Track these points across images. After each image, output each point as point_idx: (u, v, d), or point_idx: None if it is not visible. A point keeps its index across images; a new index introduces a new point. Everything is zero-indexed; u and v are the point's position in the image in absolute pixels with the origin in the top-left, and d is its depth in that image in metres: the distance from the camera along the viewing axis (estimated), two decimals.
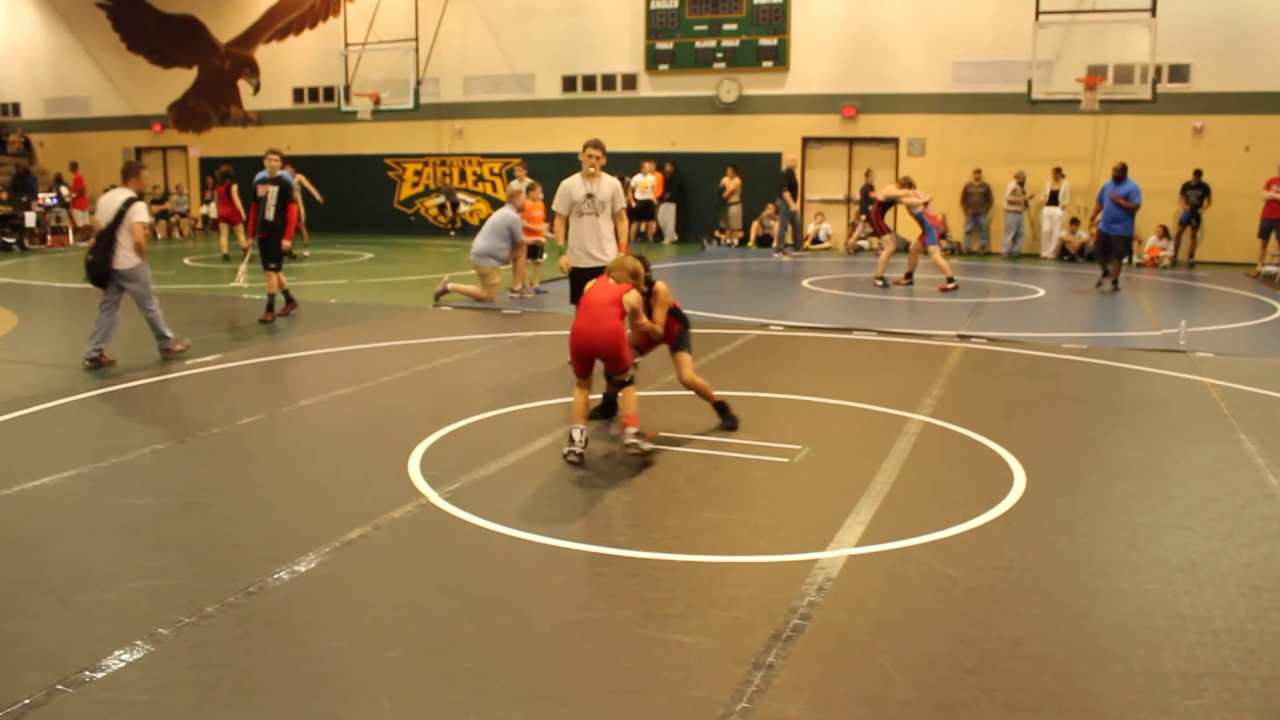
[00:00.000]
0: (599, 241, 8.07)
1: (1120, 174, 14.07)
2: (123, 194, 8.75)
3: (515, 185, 14.54)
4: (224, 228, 18.01)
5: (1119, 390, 8.02)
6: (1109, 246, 14.30)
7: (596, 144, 8.06)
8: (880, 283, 14.33)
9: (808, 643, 3.67)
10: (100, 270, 8.63)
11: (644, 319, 6.40)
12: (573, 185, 8.02)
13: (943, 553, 4.53)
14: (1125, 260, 14.25)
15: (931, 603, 4.03)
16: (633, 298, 6.17)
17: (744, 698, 3.27)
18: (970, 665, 3.51)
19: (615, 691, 3.34)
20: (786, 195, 19.55)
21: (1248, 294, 14.18)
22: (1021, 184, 19.37)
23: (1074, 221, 19.17)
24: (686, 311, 6.82)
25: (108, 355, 8.74)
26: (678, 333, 6.69)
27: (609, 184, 8.05)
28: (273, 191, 10.99)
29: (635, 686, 3.37)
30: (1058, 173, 19.10)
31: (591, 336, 5.96)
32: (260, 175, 11.11)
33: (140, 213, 8.68)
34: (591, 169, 7.98)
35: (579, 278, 7.99)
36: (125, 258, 8.64)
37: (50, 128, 27.67)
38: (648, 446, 5.91)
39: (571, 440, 5.87)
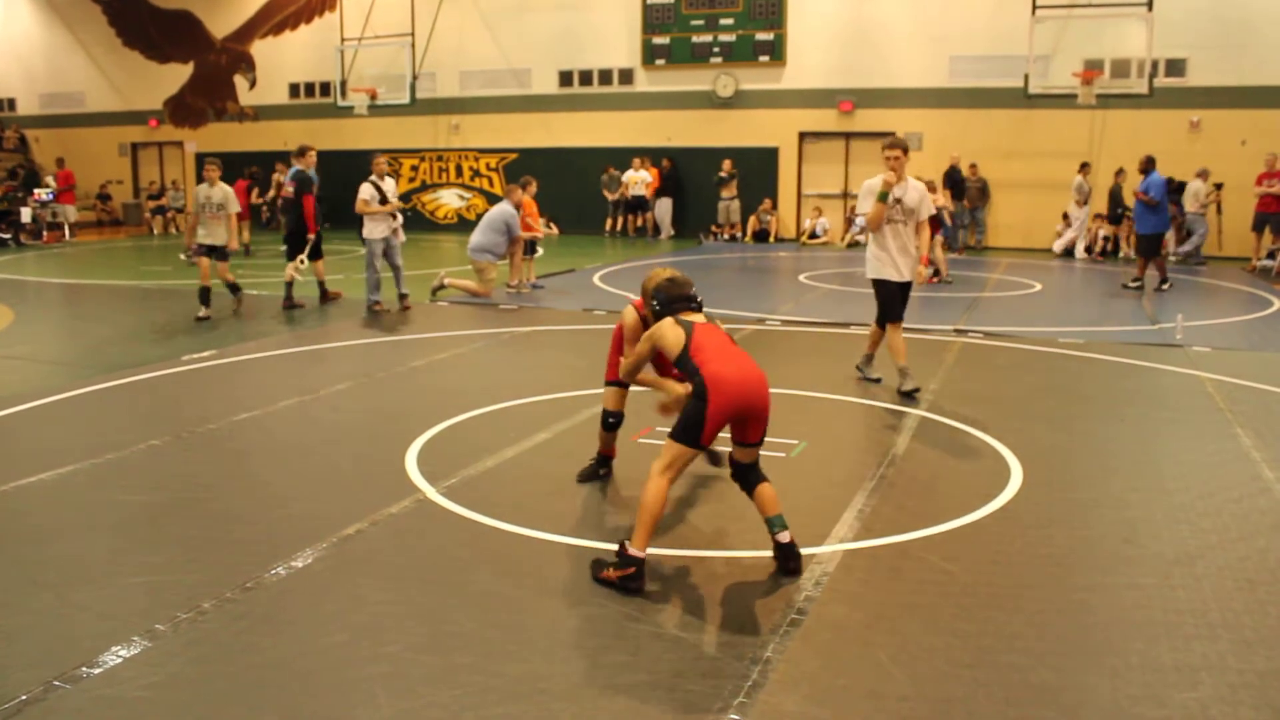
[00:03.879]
0: (906, 252, 7.31)
1: (1142, 167, 13.70)
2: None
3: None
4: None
5: (1116, 385, 8.03)
6: (1139, 245, 13.92)
7: (897, 143, 7.12)
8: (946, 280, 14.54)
9: (805, 637, 3.67)
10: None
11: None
12: (877, 188, 7.20)
13: (940, 547, 4.54)
14: (1153, 258, 13.65)
15: (929, 597, 4.04)
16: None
17: (741, 692, 3.28)
18: (968, 659, 3.52)
19: (613, 686, 3.34)
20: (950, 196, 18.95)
21: (1244, 288, 14.20)
22: (1217, 186, 17.58)
23: (1066, 216, 19.16)
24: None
25: (384, 304, 11.54)
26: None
27: (916, 189, 7.27)
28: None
29: (632, 681, 3.37)
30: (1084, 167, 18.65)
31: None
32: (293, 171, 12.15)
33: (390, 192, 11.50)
34: (894, 171, 7.08)
35: (886, 293, 7.36)
36: (370, 230, 11.43)
37: (45, 123, 27.61)
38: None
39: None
